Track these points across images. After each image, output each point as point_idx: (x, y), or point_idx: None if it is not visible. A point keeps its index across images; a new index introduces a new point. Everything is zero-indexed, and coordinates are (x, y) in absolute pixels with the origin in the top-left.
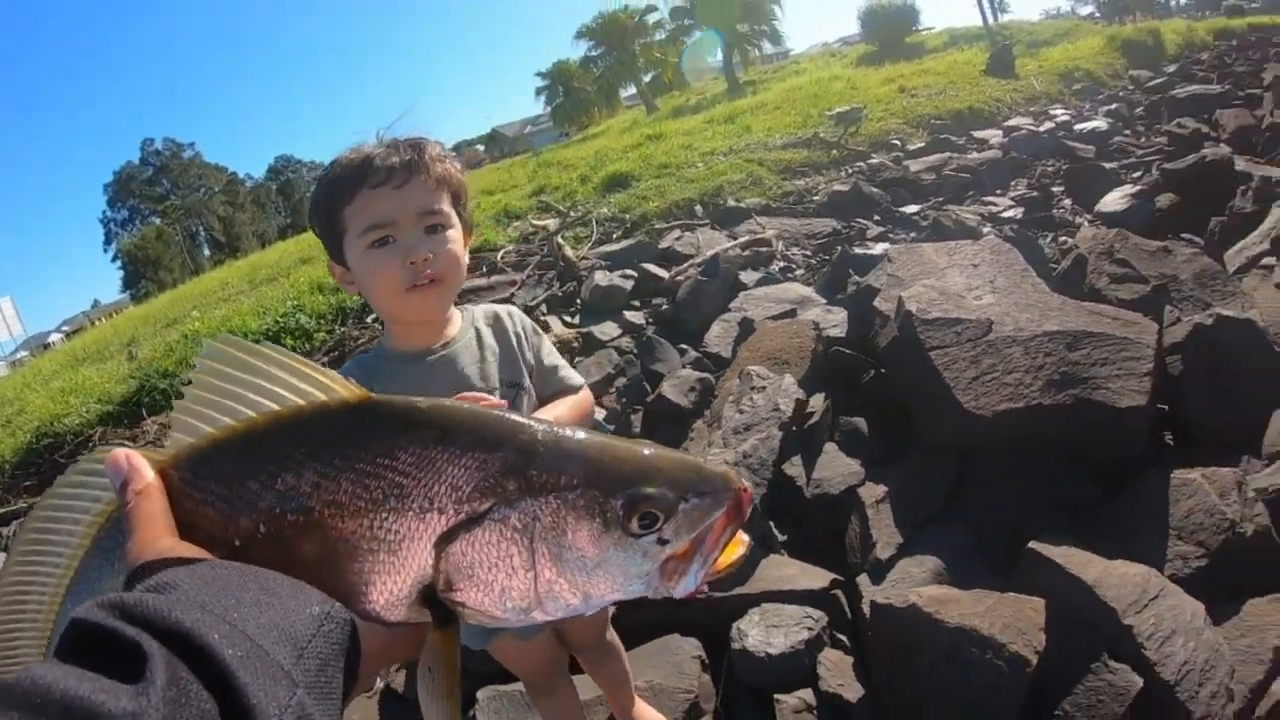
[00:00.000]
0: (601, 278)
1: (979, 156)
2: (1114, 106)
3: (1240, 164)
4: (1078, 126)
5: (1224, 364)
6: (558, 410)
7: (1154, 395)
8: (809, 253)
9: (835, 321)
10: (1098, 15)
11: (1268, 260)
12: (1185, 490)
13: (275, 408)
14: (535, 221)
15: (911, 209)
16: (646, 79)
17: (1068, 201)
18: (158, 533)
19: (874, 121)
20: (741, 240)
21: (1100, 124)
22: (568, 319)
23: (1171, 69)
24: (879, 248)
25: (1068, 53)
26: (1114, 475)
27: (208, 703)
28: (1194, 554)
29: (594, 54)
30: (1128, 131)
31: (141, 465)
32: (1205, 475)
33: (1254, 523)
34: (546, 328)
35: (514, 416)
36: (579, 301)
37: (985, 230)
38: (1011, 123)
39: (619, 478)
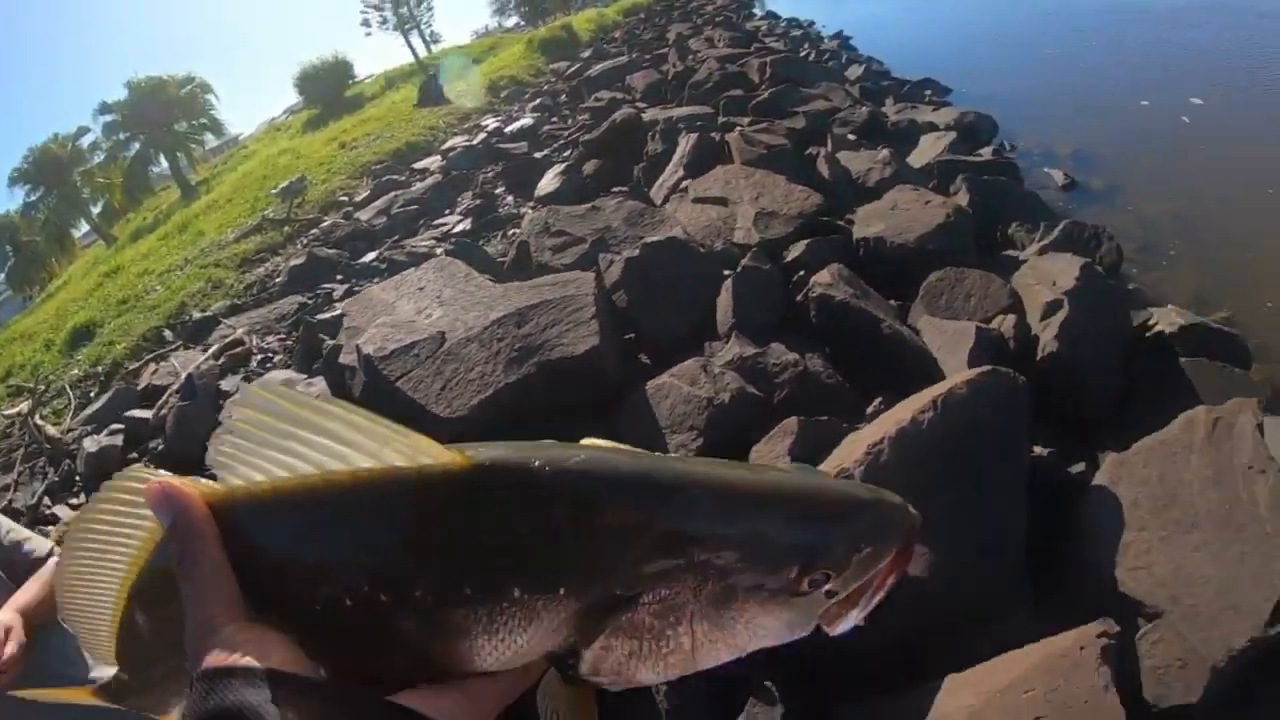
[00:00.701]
0: (91, 444)
1: (422, 185)
2: (539, 101)
3: (649, 114)
4: (509, 129)
5: (659, 281)
6: (31, 590)
7: (606, 333)
8: (283, 336)
9: (315, 392)
10: (522, 24)
11: (685, 184)
12: (661, 393)
13: (349, 464)
14: (7, 412)
15: (369, 257)
16: (97, 210)
17: (510, 199)
18: (223, 611)
19: (319, 185)
20: (213, 350)
21: (528, 121)
22: (75, 501)
23: (587, 54)
24: (340, 306)
25: (493, 65)
26: (608, 406)
27: None
28: (690, 438)
29: (33, 198)
30: (554, 119)
31: (193, 507)
32: (673, 374)
33: (728, 391)
34: (55, 519)
35: (663, 469)
36: (78, 478)
37: (438, 251)
38: (448, 145)
39: (791, 543)
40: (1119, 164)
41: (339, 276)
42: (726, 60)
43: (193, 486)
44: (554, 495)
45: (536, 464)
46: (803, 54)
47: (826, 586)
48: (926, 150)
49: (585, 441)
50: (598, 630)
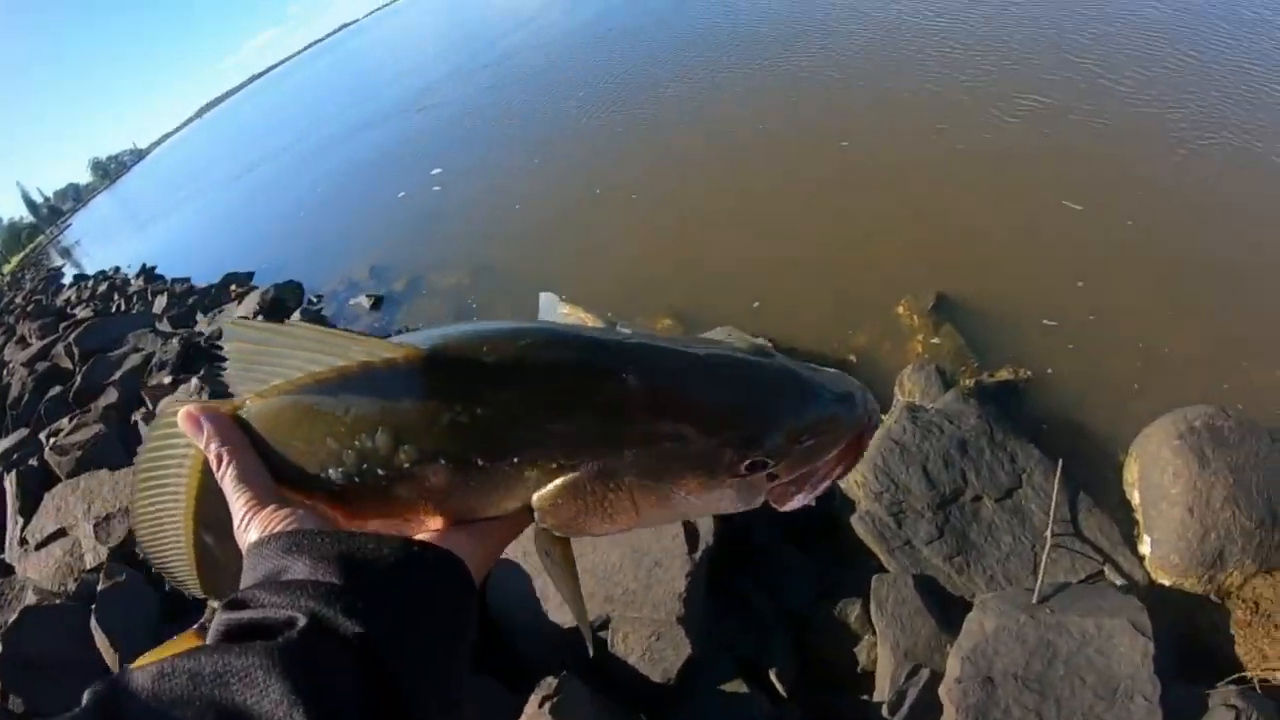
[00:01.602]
0: None
1: None
2: None
3: None
4: None
5: (48, 666)
6: None
7: None
8: None
9: None
10: None
11: (25, 534)
12: None
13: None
14: None
15: None
16: None
17: None
18: (260, 497)
19: None
20: None
21: None
22: None
23: None
24: None
25: None
26: None
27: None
28: None
29: None
30: None
31: (219, 419)
32: None
33: None
34: None
35: (602, 348)
36: None
37: None
38: None
39: (728, 426)
40: (405, 258)
41: None
42: (36, 359)
43: (215, 404)
44: (498, 376)
45: (484, 349)
46: (113, 309)
47: (768, 471)
48: None
49: (546, 312)
50: (548, 493)
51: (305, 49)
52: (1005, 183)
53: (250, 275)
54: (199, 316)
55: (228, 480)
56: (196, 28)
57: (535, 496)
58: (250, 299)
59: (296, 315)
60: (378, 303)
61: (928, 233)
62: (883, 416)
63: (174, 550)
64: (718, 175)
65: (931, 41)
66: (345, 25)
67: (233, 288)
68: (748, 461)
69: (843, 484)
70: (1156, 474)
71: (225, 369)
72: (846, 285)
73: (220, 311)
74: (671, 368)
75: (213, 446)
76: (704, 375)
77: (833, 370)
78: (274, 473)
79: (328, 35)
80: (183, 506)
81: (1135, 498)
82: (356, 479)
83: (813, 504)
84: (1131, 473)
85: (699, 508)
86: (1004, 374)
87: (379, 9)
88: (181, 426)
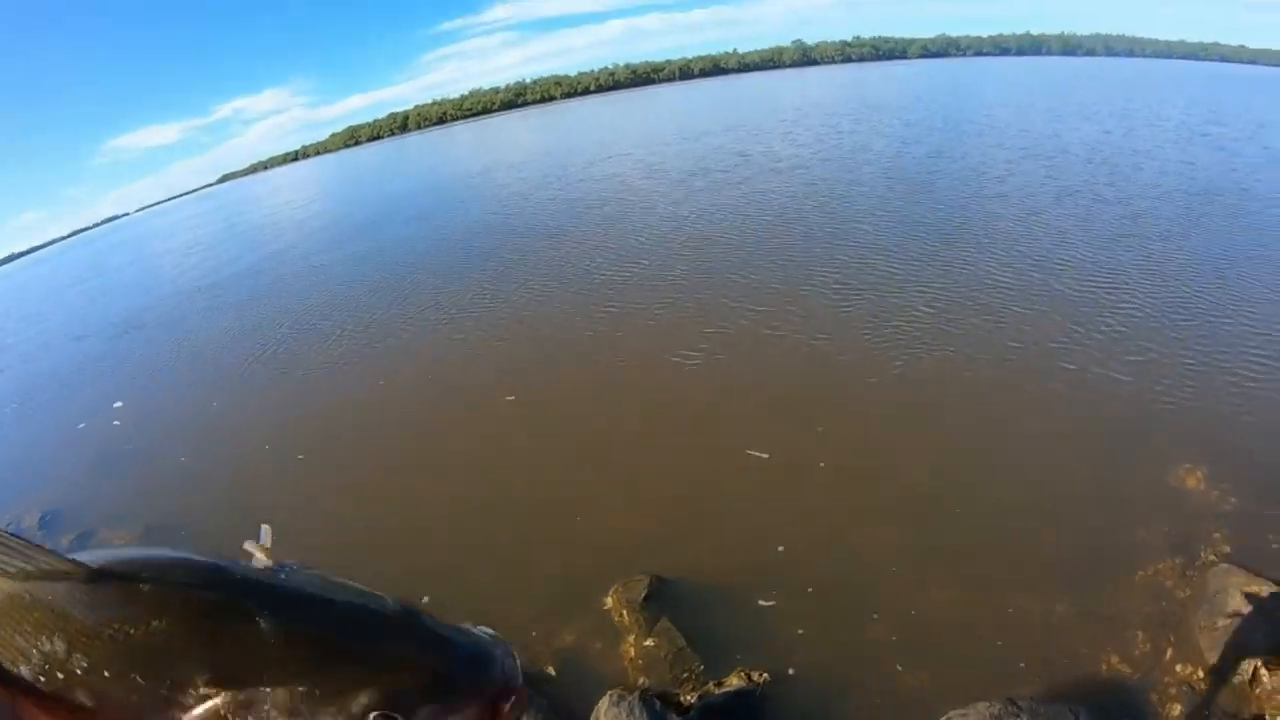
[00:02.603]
0: None
1: None
2: None
3: None
4: None
5: None
6: None
7: None
8: None
9: None
10: None
11: None
12: None
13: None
14: None
15: None
16: None
17: None
18: None
19: None
20: None
21: None
22: None
23: None
24: None
25: None
26: None
27: None
28: None
29: None
30: None
31: None
32: None
33: None
34: None
35: (244, 595)
36: None
37: None
38: None
39: (359, 679)
40: (78, 503)
41: None
42: None
43: None
44: (145, 600)
45: (142, 575)
46: None
47: None
48: None
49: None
50: (196, 715)
51: (70, 236)
52: (693, 437)
53: None
54: None
55: None
56: None
57: (185, 718)
58: None
59: None
60: None
61: (623, 502)
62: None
63: None
64: (397, 439)
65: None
66: (114, 218)
67: None
68: (375, 713)
69: None
70: None
71: None
72: (549, 569)
73: None
74: (310, 605)
75: None
76: (341, 619)
77: (483, 629)
78: None
79: (94, 225)
80: None
81: None
82: (42, 678)
83: None
84: None
85: None
86: (735, 680)
87: (159, 203)
88: None
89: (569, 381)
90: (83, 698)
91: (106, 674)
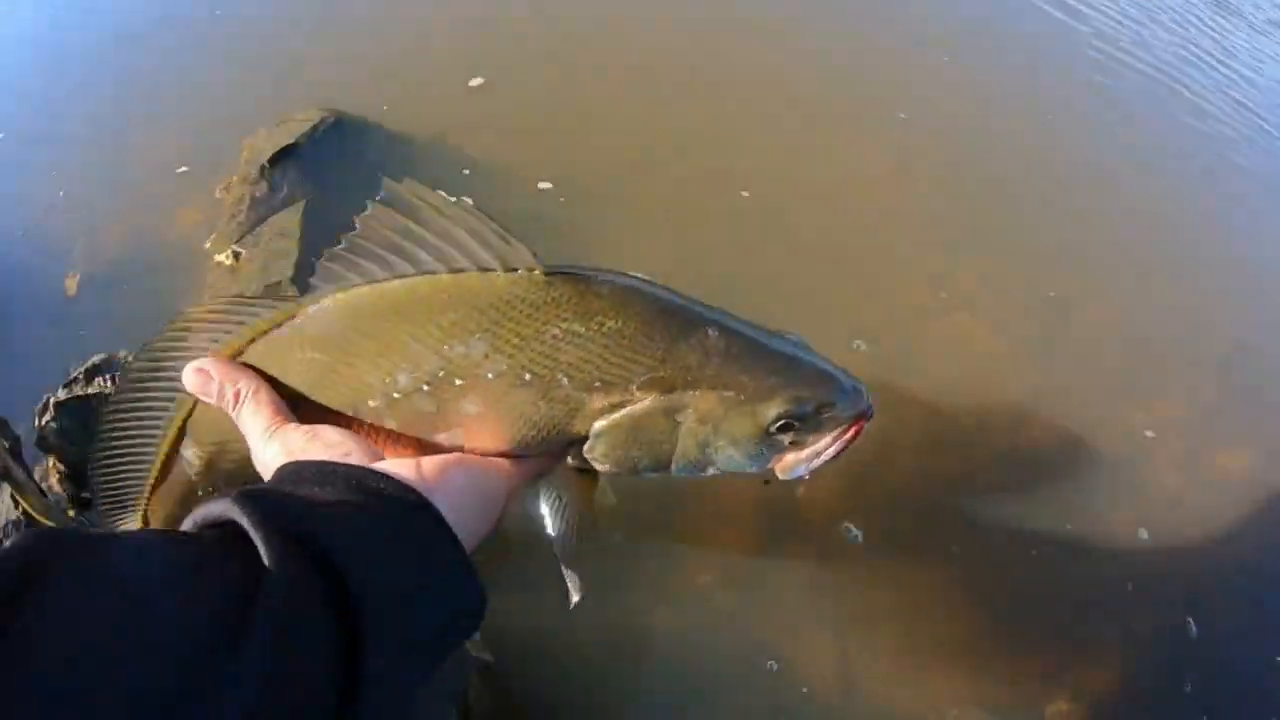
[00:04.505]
0: None
1: None
2: None
3: None
4: None
5: None
6: None
7: None
8: None
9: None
10: None
11: None
12: None
13: (439, 267)
14: None
15: None
16: None
17: None
18: (277, 415)
19: None
20: None
21: None
22: None
23: None
24: None
25: None
26: None
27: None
28: None
29: None
30: None
31: (228, 365)
32: None
33: None
34: None
35: (690, 308)
36: None
37: None
38: None
39: (776, 390)
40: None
41: None
42: None
43: (215, 353)
44: (603, 310)
45: (597, 284)
46: None
47: (791, 436)
48: None
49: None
50: (611, 421)
51: None
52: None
53: None
54: None
55: (246, 410)
56: None
57: (596, 424)
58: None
59: None
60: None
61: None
62: None
63: (131, 471)
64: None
65: None
66: None
67: None
68: (781, 422)
69: None
70: None
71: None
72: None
73: None
74: (747, 336)
75: (228, 388)
76: (769, 349)
77: (845, 369)
78: (335, 376)
79: None
80: (161, 433)
81: None
82: (425, 387)
83: (807, 477)
84: None
85: (721, 465)
86: None
87: None
88: (186, 381)
89: None
90: (470, 405)
91: (527, 376)
